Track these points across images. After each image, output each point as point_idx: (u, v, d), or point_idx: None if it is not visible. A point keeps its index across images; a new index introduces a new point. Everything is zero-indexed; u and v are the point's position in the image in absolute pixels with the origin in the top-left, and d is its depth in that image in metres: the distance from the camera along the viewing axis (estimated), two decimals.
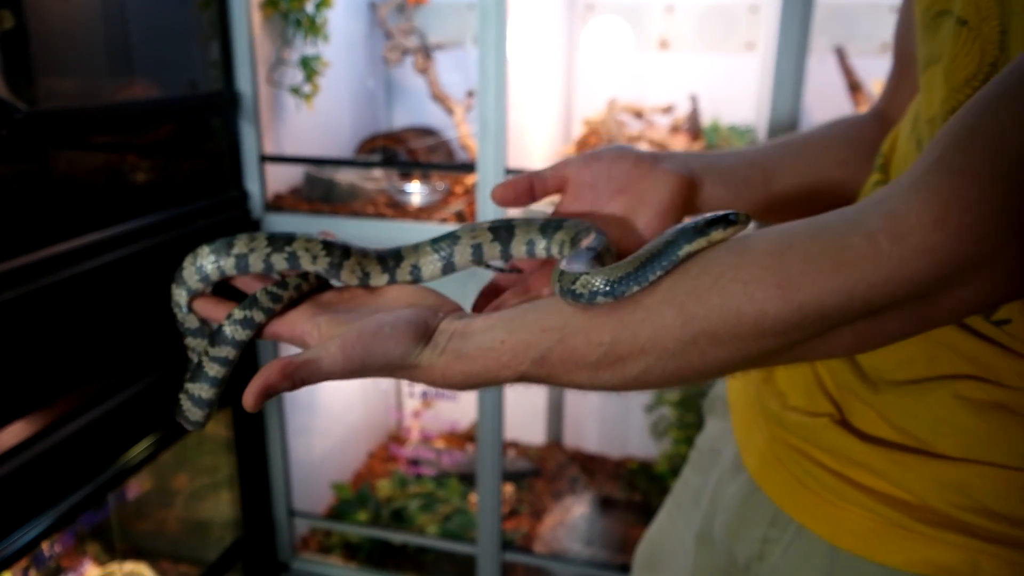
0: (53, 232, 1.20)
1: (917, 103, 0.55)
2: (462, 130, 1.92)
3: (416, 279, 0.53)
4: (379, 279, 0.52)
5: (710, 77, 1.95)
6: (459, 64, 2.02)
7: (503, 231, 0.53)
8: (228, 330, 0.49)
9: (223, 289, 0.54)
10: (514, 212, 1.49)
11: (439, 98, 1.94)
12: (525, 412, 2.31)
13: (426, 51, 1.93)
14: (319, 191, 1.74)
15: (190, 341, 0.54)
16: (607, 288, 0.42)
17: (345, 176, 1.77)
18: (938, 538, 0.48)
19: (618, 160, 0.56)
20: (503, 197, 0.56)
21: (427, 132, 2.05)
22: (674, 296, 0.41)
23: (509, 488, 2.10)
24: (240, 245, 0.50)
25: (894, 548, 0.50)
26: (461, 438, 2.35)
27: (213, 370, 0.50)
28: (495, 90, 1.47)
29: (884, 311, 0.39)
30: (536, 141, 1.89)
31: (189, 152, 1.63)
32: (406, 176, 1.84)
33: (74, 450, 1.22)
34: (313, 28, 1.67)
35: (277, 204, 1.71)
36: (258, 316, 0.49)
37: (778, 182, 0.63)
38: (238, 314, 0.49)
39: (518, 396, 2.06)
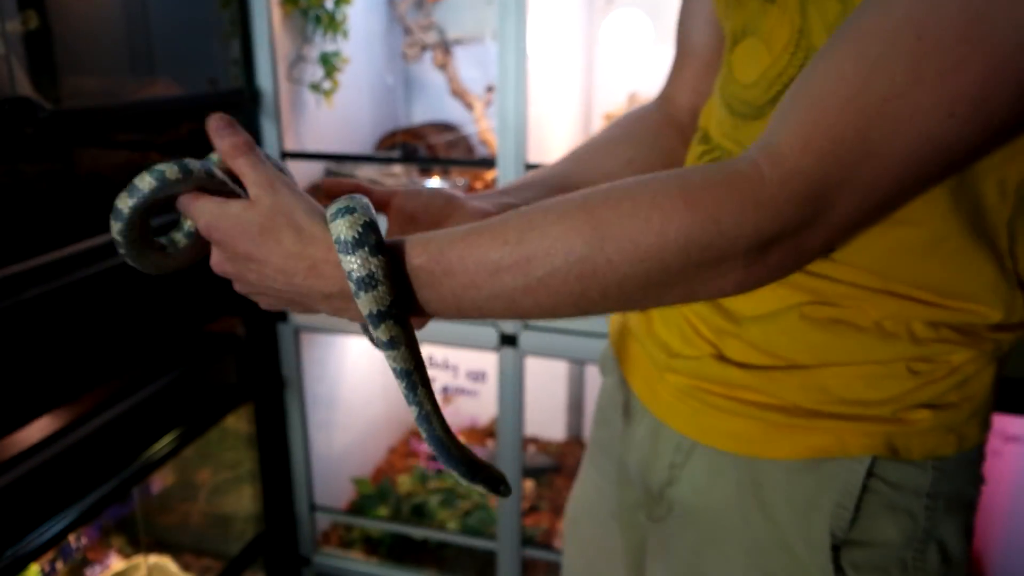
0: (78, 229, 1.22)
1: (724, 75, 0.63)
2: (482, 125, 1.92)
3: None
4: None
5: None
6: (478, 59, 2.02)
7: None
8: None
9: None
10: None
11: (458, 93, 1.94)
12: (545, 408, 2.31)
13: (445, 46, 1.93)
14: None
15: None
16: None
17: (365, 172, 1.77)
18: (811, 427, 0.59)
19: (435, 197, 0.63)
20: (328, 191, 0.60)
21: (446, 127, 2.05)
22: (585, 202, 0.45)
23: (529, 484, 2.10)
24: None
25: (780, 444, 0.60)
26: (481, 434, 2.36)
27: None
28: (515, 85, 1.46)
29: (770, 244, 0.44)
30: (556, 135, 1.88)
31: (211, 149, 1.64)
32: (426, 172, 1.84)
33: (99, 445, 1.23)
34: (333, 25, 1.68)
35: None
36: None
37: None
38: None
39: (539, 392, 2.06)
